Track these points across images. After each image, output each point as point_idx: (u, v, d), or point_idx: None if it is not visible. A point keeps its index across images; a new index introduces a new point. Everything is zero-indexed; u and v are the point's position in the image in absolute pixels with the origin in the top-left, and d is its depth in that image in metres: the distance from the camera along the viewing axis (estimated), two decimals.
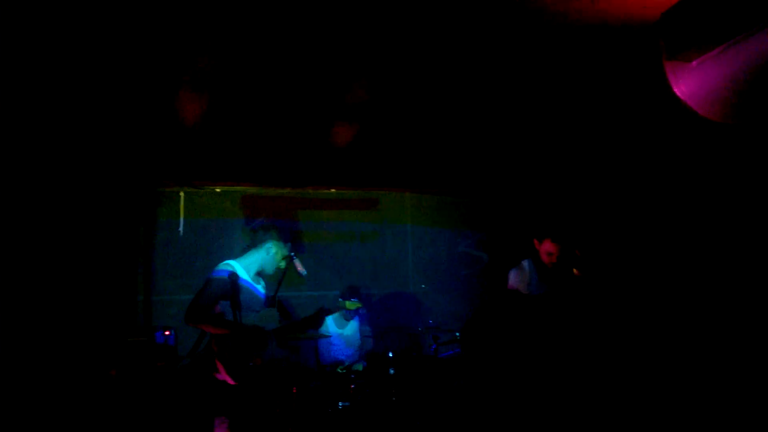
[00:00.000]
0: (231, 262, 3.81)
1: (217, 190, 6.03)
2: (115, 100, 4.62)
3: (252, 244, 3.99)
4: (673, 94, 3.59)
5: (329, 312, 4.50)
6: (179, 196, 5.92)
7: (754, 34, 3.04)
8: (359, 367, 5.08)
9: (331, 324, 5.35)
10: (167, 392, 4.09)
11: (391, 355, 4.69)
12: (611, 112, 4.78)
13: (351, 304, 4.94)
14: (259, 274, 3.98)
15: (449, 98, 4.69)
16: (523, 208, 6.23)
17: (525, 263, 4.48)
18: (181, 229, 5.83)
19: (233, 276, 3.53)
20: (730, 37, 3.15)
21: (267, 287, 4.08)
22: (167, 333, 4.40)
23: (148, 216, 5.80)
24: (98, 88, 4.37)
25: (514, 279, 4.43)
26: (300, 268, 4.09)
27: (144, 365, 4.09)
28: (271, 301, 4.12)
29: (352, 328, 5.41)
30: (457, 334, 5.06)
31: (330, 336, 5.23)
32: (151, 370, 4.08)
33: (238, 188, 6.16)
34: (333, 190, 6.39)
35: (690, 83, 3.49)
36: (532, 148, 5.65)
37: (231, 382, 3.64)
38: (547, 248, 4.37)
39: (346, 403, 4.39)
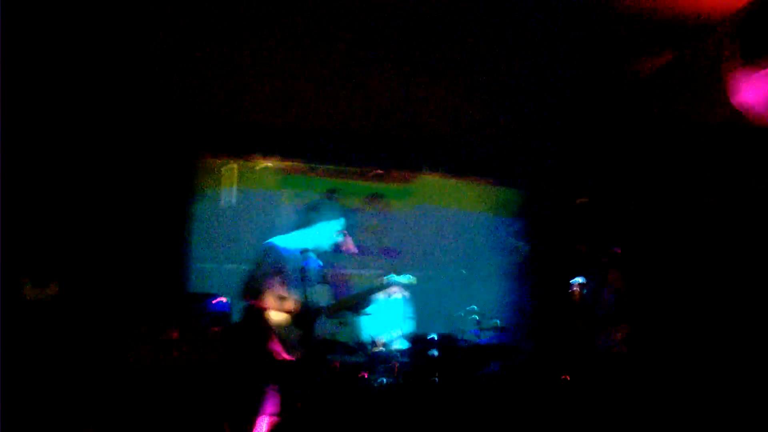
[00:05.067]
0: (279, 238, 3.90)
1: (269, 164, 6.17)
2: (164, 74, 4.76)
3: (303, 224, 4.03)
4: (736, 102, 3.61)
5: (378, 290, 4.56)
6: (226, 168, 6.08)
7: None
8: (402, 346, 5.21)
9: (375, 302, 5.48)
10: (223, 357, 4.26)
11: (435, 336, 4.80)
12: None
13: (406, 279, 5.06)
14: (310, 251, 4.02)
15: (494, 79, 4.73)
16: (565, 200, 6.29)
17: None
18: (232, 199, 5.99)
19: (280, 252, 3.65)
20: None
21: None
22: (223, 300, 4.54)
23: (199, 186, 5.98)
24: (152, 62, 4.48)
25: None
26: (350, 245, 4.17)
27: (202, 330, 4.25)
28: (323, 277, 4.20)
29: (395, 307, 5.53)
30: (497, 321, 5.19)
31: (372, 314, 5.37)
32: (209, 335, 4.24)
33: (287, 163, 6.30)
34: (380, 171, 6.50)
35: (758, 92, 3.51)
36: (576, 141, 5.70)
37: (282, 352, 3.75)
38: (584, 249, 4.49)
39: (389, 380, 4.52)
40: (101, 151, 5.05)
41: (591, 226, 4.71)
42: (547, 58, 4.22)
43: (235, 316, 4.53)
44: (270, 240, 3.86)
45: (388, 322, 5.53)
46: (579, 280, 4.46)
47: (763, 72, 3.45)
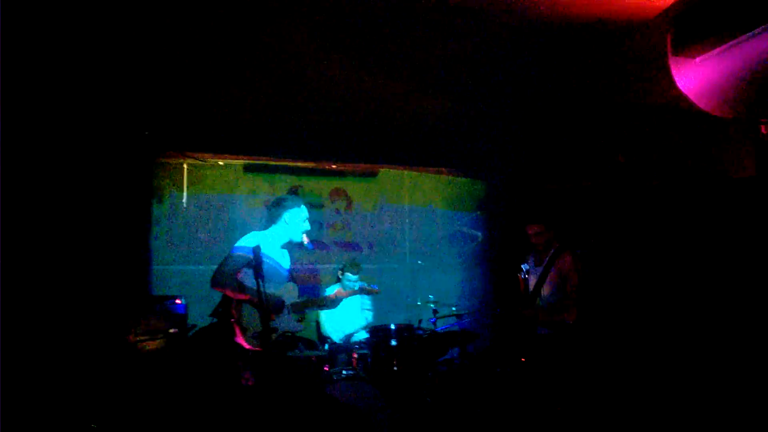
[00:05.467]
0: (256, 233, 3.97)
1: (220, 162, 6.12)
2: (119, 75, 4.68)
3: (271, 220, 4.10)
4: (676, 88, 3.79)
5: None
6: (182, 168, 6.01)
7: (758, 34, 3.24)
8: (361, 337, 5.27)
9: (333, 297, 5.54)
10: (181, 357, 4.24)
11: (393, 326, 4.87)
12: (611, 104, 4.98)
13: (352, 276, 5.08)
14: (286, 246, 4.13)
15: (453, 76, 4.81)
16: (517, 189, 6.46)
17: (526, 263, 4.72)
18: (184, 201, 5.93)
19: (257, 249, 3.68)
20: (735, 36, 3.34)
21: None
22: (178, 301, 4.52)
23: (155, 188, 5.90)
24: (102, 67, 4.41)
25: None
26: (306, 241, 4.20)
27: (158, 332, 4.22)
28: (292, 275, 4.26)
29: (353, 300, 5.59)
30: (453, 308, 5.31)
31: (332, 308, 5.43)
32: (165, 336, 4.21)
33: (240, 161, 6.26)
34: (334, 166, 6.53)
35: (693, 78, 3.69)
36: (530, 133, 5.83)
37: (246, 346, 3.81)
38: (531, 230, 4.64)
39: (350, 372, 4.58)
40: (59, 154, 4.93)
41: (542, 210, 4.86)
42: (503, 51, 4.31)
43: (191, 319, 4.54)
44: (243, 237, 3.94)
45: (347, 315, 5.60)
46: (525, 266, 4.59)
47: (697, 60, 3.62)
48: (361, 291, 4.76)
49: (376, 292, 4.86)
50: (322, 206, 6.66)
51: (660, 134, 4.97)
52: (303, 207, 4.11)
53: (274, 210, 4.11)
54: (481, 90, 5.03)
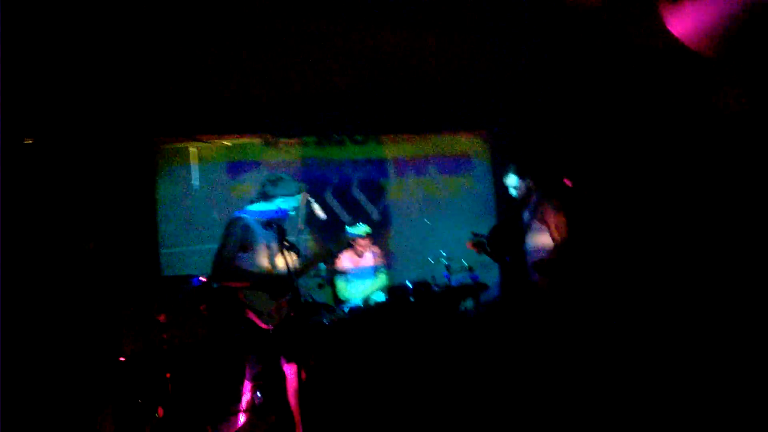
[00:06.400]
0: (241, 213, 3.94)
1: (226, 143, 6.22)
2: (119, 58, 4.75)
3: (262, 197, 4.07)
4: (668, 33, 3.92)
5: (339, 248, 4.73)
6: (189, 151, 6.12)
7: None
8: (379, 298, 5.46)
9: (346, 260, 5.72)
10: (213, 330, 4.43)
11: (409, 285, 5.05)
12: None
13: (359, 230, 5.16)
14: (274, 221, 4.05)
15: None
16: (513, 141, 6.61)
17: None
18: (196, 182, 6.05)
19: (244, 224, 3.77)
20: None
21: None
22: (203, 279, 4.63)
23: (162, 171, 6.02)
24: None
25: None
26: (319, 212, 4.29)
27: (190, 309, 4.38)
28: (291, 246, 4.30)
29: (366, 262, 5.77)
30: (464, 262, 5.49)
31: (347, 272, 5.62)
32: (197, 313, 4.38)
33: (245, 140, 6.36)
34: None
35: (683, 22, 3.82)
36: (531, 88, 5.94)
37: (260, 323, 3.84)
38: (511, 183, 4.79)
39: (370, 332, 4.76)
40: (61, 142, 5.03)
41: (537, 160, 4.98)
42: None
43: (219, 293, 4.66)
44: (235, 213, 3.93)
45: (363, 277, 5.78)
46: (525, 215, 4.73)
47: (690, 4, 3.74)
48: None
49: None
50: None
51: (654, 76, 5.07)
52: (297, 196, 4.09)
53: (269, 188, 4.06)
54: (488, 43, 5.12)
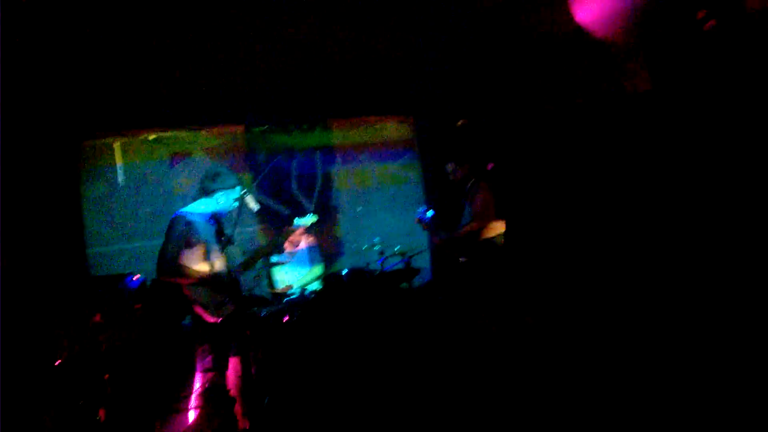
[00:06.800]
0: (183, 211, 3.99)
1: (150, 137, 6.12)
2: (44, 55, 4.63)
3: (202, 192, 4.12)
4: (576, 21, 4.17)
5: (282, 239, 4.83)
6: (113, 146, 5.99)
7: None
8: (314, 287, 5.55)
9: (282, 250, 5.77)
10: (148, 331, 4.40)
11: (344, 272, 5.17)
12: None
13: (307, 219, 5.28)
14: (214, 216, 4.16)
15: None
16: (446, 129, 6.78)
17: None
18: (120, 179, 5.94)
19: (187, 221, 3.82)
20: None
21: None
22: (136, 277, 4.60)
23: (86, 169, 5.87)
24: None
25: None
26: (252, 204, 4.35)
27: (125, 309, 4.34)
28: (228, 239, 4.37)
29: (302, 251, 5.84)
30: (397, 248, 5.64)
31: (285, 261, 5.67)
32: (131, 313, 4.34)
33: (169, 133, 6.27)
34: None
35: (590, 11, 4.08)
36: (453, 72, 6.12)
37: (206, 317, 3.92)
38: (447, 169, 5.02)
39: (308, 320, 4.87)
40: None
41: (462, 145, 5.20)
42: None
43: (154, 291, 4.65)
44: (177, 211, 3.97)
45: (298, 268, 5.85)
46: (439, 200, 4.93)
47: None
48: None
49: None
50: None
51: (563, 62, 5.34)
52: (237, 189, 4.14)
53: (207, 184, 4.11)
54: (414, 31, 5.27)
